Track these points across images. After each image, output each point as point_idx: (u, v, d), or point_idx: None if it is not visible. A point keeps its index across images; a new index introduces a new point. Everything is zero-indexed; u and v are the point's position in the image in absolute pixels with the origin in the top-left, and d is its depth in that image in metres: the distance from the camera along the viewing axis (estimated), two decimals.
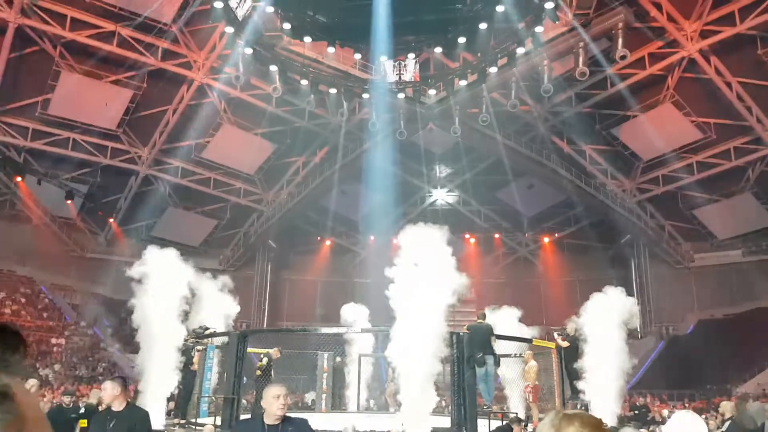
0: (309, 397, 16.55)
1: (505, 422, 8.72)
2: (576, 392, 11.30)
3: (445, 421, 10.17)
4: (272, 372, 11.68)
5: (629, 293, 34.14)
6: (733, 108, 22.38)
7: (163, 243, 28.85)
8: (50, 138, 23.41)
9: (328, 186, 28.76)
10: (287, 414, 4.02)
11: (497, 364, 10.14)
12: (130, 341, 26.24)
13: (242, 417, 10.58)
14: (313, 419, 11.16)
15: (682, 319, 30.29)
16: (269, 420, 3.85)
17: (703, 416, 11.65)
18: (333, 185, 28.89)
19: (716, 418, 9.79)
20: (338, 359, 15.38)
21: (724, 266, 28.74)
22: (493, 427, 9.09)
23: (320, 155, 27.53)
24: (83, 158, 24.23)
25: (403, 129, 23.08)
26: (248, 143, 25.75)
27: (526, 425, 9.78)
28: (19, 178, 24.80)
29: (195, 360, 11.22)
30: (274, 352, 11.85)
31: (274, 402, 3.82)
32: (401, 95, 21.03)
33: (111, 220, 27.47)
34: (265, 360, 11.52)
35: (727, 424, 7.83)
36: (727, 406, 8.48)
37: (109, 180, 25.87)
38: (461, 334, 10.28)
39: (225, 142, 25.37)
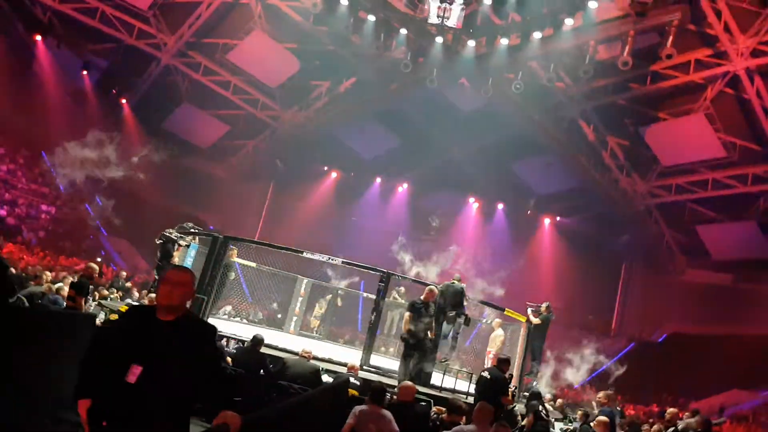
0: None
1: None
2: (533, 369, 11.54)
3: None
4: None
5: (613, 292, 34.42)
6: (763, 134, 21.89)
7: (172, 138, 29.03)
8: (79, 3, 22.88)
9: (346, 118, 28.43)
10: (195, 315, 3.35)
11: (466, 323, 10.30)
12: (118, 224, 26.70)
13: (211, 320, 10.85)
14: (280, 338, 11.41)
15: (658, 326, 30.66)
16: (162, 314, 3.11)
17: (650, 420, 11.93)
18: (352, 118, 28.55)
19: (661, 422, 10.05)
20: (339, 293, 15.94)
21: (712, 286, 28.79)
22: (446, 381, 9.30)
23: (346, 85, 26.98)
24: (108, 33, 23.76)
25: (435, 77, 22.55)
26: (276, 55, 25.14)
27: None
28: (39, 37, 24.41)
29: (176, 254, 11.35)
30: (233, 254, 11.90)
31: (160, 289, 3.12)
32: (440, 39, 20.43)
33: (123, 101, 27.22)
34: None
35: (671, 430, 8.05)
36: (672, 413, 8.83)
37: (130, 61, 25.43)
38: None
39: (253, 48, 24.77)
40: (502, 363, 8.61)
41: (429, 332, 9.19)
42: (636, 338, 30.89)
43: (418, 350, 8.98)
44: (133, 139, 28.08)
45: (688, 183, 25.81)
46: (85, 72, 25.41)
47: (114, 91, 26.52)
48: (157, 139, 28.37)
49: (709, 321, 27.94)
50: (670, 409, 9.67)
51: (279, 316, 17.33)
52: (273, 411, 3.76)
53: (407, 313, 9.14)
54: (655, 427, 10.15)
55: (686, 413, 8.23)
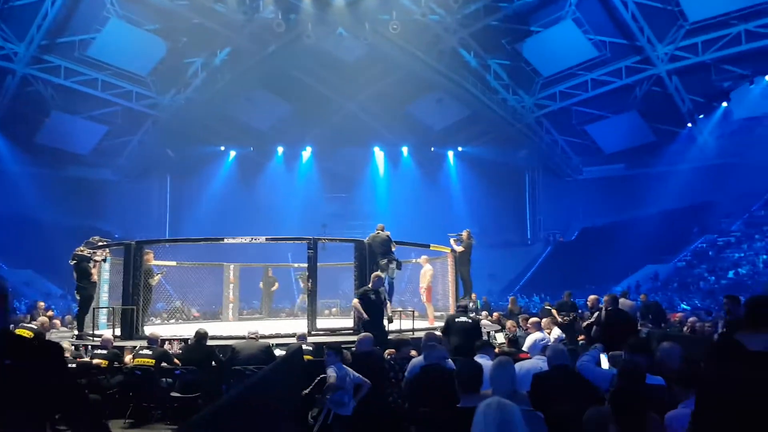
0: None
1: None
2: (467, 293, 12.18)
3: (348, 323, 10.70)
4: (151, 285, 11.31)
5: (522, 204, 36.27)
6: (627, 28, 23.42)
7: (49, 151, 26.86)
8: None
9: (231, 91, 27.42)
10: (17, 336, 2.45)
11: (398, 267, 10.62)
12: (16, 255, 24.84)
13: (146, 328, 10.57)
14: (222, 327, 11.28)
15: (568, 227, 32.97)
16: None
17: (579, 311, 12.95)
18: (236, 91, 27.58)
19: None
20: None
21: (609, 179, 31.23)
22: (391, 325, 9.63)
23: (221, 57, 25.92)
24: None
25: (311, 32, 22.16)
26: (139, 40, 23.69)
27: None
28: None
29: (93, 271, 10.83)
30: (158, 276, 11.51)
31: None
32: None
33: None
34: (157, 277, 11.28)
35: (596, 315, 8.87)
36: (592, 299, 9.84)
37: None
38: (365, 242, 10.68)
39: (113, 38, 23.14)
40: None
41: (385, 316, 9.06)
42: (551, 241, 33.13)
43: (376, 331, 8.76)
44: (6, 160, 25.93)
45: (569, 88, 27.32)
46: None
47: None
48: (34, 155, 26.34)
49: (612, 210, 30.48)
50: (591, 297, 10.57)
51: (214, 307, 17.03)
52: (228, 399, 3.73)
53: (356, 300, 8.98)
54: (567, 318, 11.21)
55: (606, 298, 9.05)
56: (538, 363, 5.47)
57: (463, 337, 7.92)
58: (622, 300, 11.94)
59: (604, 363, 5.47)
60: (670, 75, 24.83)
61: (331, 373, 5.68)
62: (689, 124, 27.12)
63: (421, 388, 4.93)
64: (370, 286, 9.19)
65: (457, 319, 8.31)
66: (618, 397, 3.40)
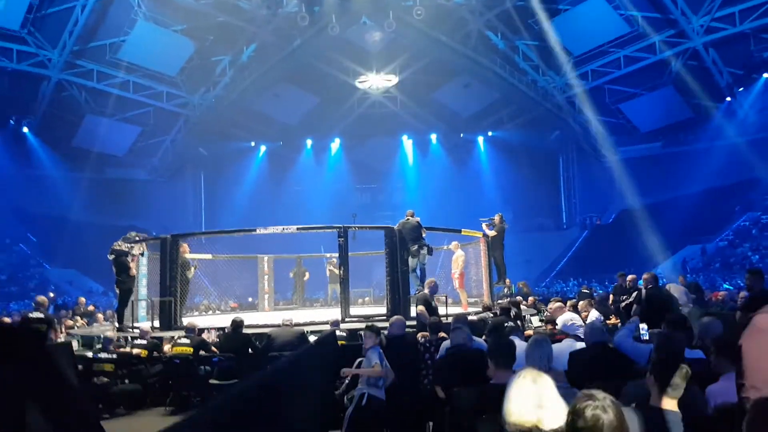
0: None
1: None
2: (501, 277, 12.04)
3: (381, 310, 10.71)
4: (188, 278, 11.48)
5: (556, 187, 35.54)
6: (659, 0, 22.64)
7: (86, 153, 27.59)
8: None
9: (258, 87, 27.66)
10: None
11: (429, 253, 10.56)
12: (59, 256, 25.67)
13: (184, 319, 10.80)
14: (258, 317, 11.42)
15: (605, 209, 32.22)
16: None
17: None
18: (264, 87, 27.80)
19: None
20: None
21: (645, 158, 30.32)
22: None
23: (247, 54, 26.14)
24: None
25: (335, 23, 22.12)
26: (167, 41, 24.02)
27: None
28: None
29: (132, 265, 11.09)
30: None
31: None
32: None
33: (25, 129, 25.70)
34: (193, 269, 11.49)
35: (634, 294, 8.67)
36: (631, 279, 9.63)
37: (20, 87, 23.83)
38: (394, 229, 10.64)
39: (142, 40, 23.53)
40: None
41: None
42: (588, 225, 32.46)
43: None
44: (46, 165, 26.78)
45: (601, 66, 26.57)
46: None
47: (12, 120, 24.98)
48: (72, 159, 27.11)
49: (651, 191, 29.55)
50: (629, 276, 10.36)
51: (250, 299, 17.29)
52: (256, 379, 3.72)
53: (421, 307, 9.00)
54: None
55: (645, 277, 8.83)
56: (570, 344, 5.36)
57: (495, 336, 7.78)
58: (674, 285, 11.57)
59: (644, 335, 5.34)
60: (707, 47, 23.86)
61: (376, 360, 5.68)
62: (728, 98, 26.04)
63: (447, 370, 5.00)
64: (426, 291, 9.13)
65: (506, 324, 8.04)
66: (659, 367, 3.30)
